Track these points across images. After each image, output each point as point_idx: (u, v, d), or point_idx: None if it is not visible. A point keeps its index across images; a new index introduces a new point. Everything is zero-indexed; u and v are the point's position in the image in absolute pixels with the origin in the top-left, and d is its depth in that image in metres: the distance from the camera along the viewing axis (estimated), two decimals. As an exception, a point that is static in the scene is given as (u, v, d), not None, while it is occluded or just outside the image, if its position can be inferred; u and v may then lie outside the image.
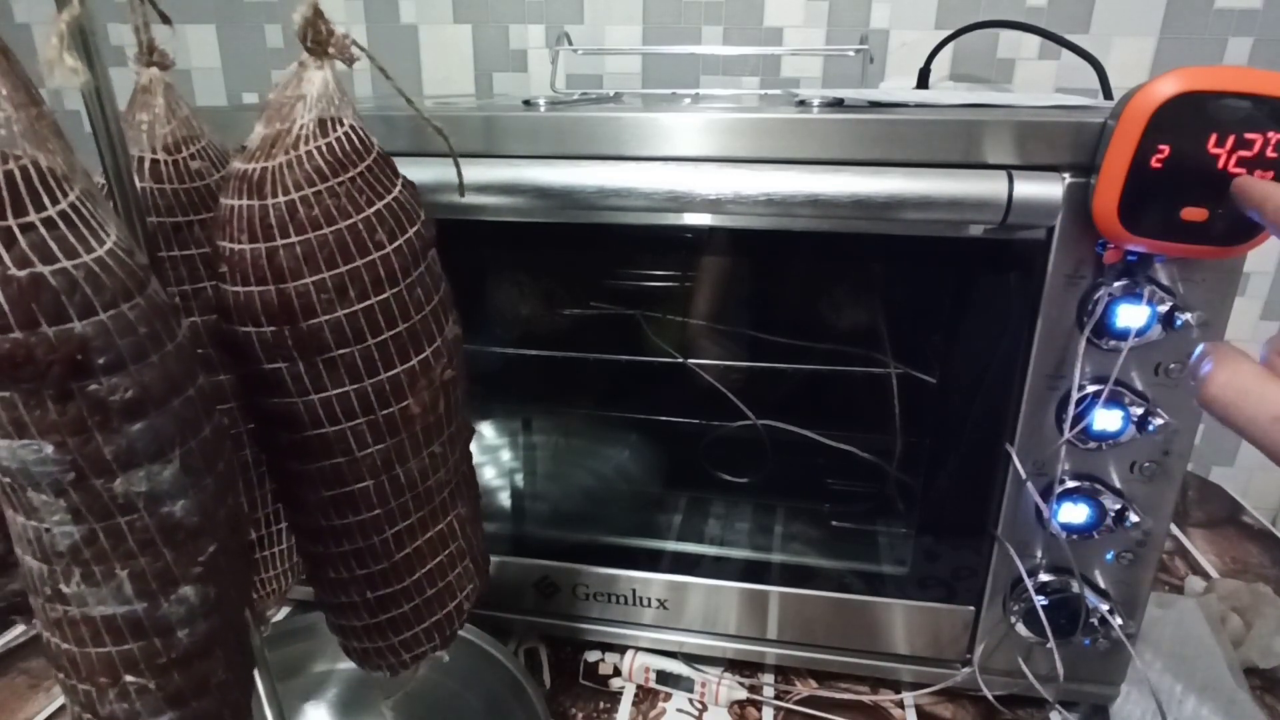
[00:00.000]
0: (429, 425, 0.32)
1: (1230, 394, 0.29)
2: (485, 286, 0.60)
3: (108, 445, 0.23)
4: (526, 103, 0.50)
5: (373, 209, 0.29)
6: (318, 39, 0.28)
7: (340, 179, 0.29)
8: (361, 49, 0.30)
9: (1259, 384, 0.28)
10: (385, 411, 0.31)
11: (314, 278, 0.28)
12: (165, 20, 0.32)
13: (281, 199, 0.28)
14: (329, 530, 0.33)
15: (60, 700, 0.55)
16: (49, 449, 0.22)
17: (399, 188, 0.31)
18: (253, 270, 0.28)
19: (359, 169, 0.29)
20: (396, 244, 0.30)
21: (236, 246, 0.29)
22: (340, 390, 0.30)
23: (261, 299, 0.29)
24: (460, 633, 0.38)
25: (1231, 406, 0.29)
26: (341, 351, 0.29)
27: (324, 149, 0.29)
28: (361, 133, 0.30)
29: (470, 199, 0.44)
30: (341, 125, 0.29)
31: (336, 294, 0.29)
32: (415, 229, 0.30)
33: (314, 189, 0.28)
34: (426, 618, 0.36)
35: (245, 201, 0.28)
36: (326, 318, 0.29)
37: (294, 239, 0.28)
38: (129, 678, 0.26)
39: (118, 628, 0.25)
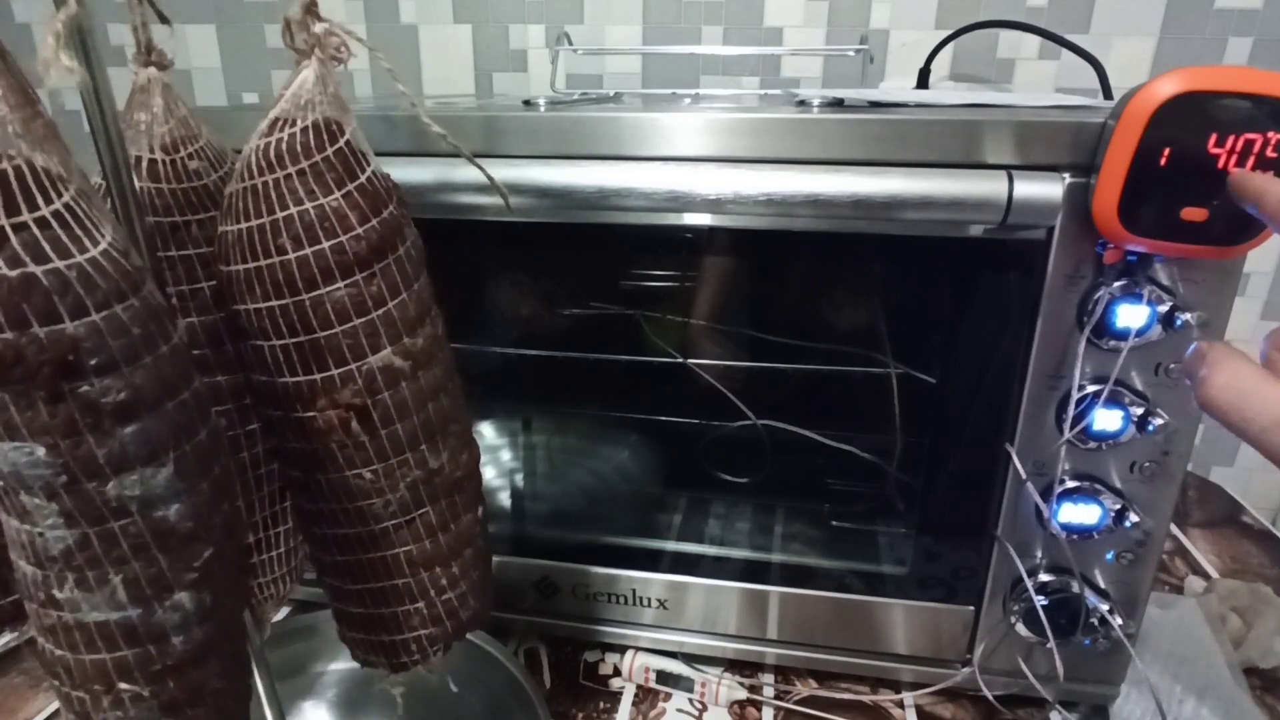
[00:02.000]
0: (348, 447, 0.31)
1: (1229, 396, 0.28)
2: (485, 286, 0.60)
3: (100, 448, 0.23)
4: (526, 103, 0.50)
5: (285, 213, 0.29)
6: (305, 39, 0.28)
7: (266, 178, 0.29)
8: (372, 50, 0.30)
9: (1259, 386, 0.28)
10: (295, 414, 0.31)
11: (237, 266, 0.30)
12: (164, 20, 0.32)
13: (234, 187, 0.30)
14: (294, 504, 0.35)
15: (60, 700, 0.55)
16: (40, 451, 0.22)
17: (334, 198, 0.29)
18: (215, 252, 0.31)
19: (285, 172, 0.29)
20: (301, 252, 0.29)
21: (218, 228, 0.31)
22: (263, 378, 0.31)
23: (216, 280, 0.31)
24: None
25: (1231, 409, 0.28)
26: (255, 343, 0.30)
27: (263, 147, 0.29)
28: (312, 136, 0.29)
29: (470, 199, 0.44)
30: (291, 126, 0.29)
31: (248, 286, 0.30)
32: (334, 242, 0.29)
33: (245, 184, 0.29)
34: (372, 633, 0.36)
35: (227, 189, 0.31)
36: (243, 307, 0.30)
37: (229, 227, 0.30)
38: (123, 685, 0.26)
39: (111, 634, 0.25)
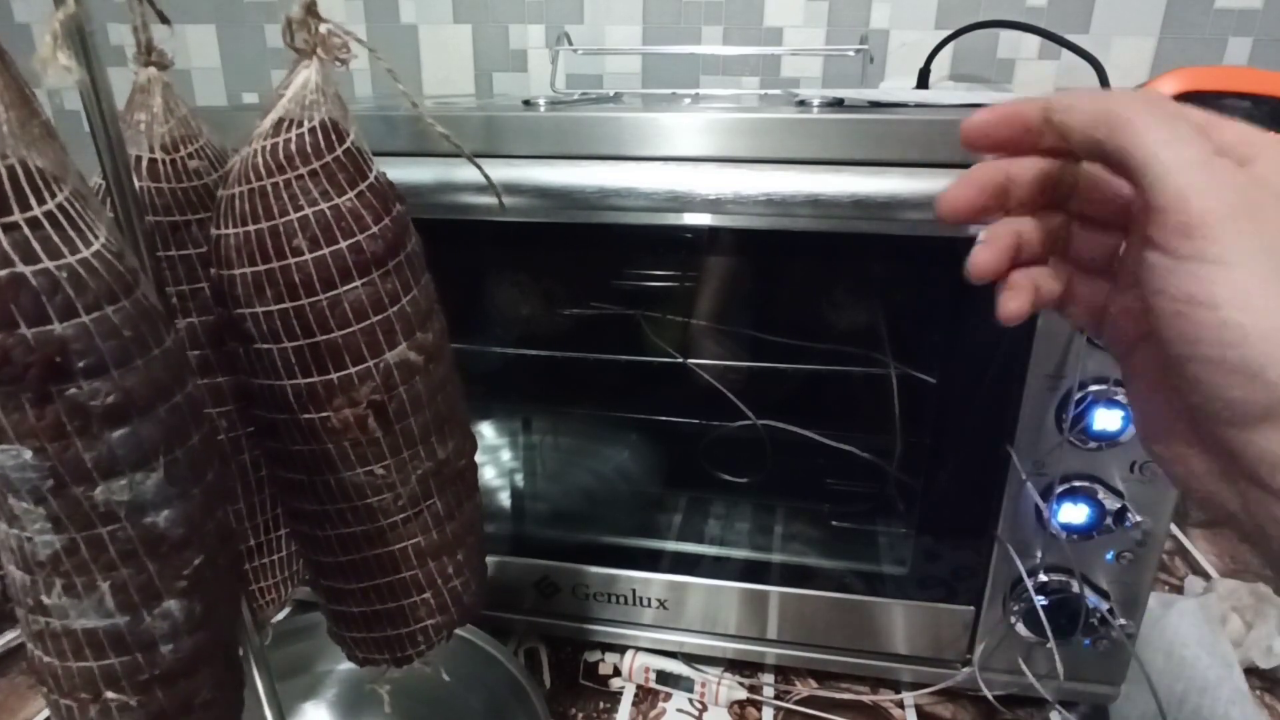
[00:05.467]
0: (361, 444, 0.31)
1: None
2: (485, 286, 0.60)
3: (88, 452, 0.22)
4: (526, 103, 0.50)
5: (299, 214, 0.29)
6: (306, 39, 0.28)
7: (275, 180, 0.29)
8: (371, 51, 0.30)
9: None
10: (305, 416, 0.31)
11: (239, 270, 0.29)
12: (164, 20, 0.32)
13: (233, 190, 0.29)
14: (287, 507, 0.35)
15: (60, 700, 0.55)
16: (27, 454, 0.22)
17: (348, 198, 0.29)
18: (210, 253, 0.30)
19: (296, 173, 0.29)
20: (319, 253, 0.29)
21: (211, 231, 0.31)
22: (266, 382, 0.31)
23: (213, 282, 0.31)
24: (460, 632, 0.38)
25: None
26: (263, 346, 0.30)
27: (269, 148, 0.29)
28: (320, 136, 0.29)
29: (470, 199, 0.44)
30: (299, 126, 0.29)
31: (255, 290, 0.29)
32: (351, 242, 0.29)
33: (248, 186, 0.29)
34: (376, 630, 0.36)
35: (221, 191, 0.30)
36: (248, 310, 0.29)
37: (229, 230, 0.29)
38: (110, 694, 0.25)
39: (99, 641, 0.25)
